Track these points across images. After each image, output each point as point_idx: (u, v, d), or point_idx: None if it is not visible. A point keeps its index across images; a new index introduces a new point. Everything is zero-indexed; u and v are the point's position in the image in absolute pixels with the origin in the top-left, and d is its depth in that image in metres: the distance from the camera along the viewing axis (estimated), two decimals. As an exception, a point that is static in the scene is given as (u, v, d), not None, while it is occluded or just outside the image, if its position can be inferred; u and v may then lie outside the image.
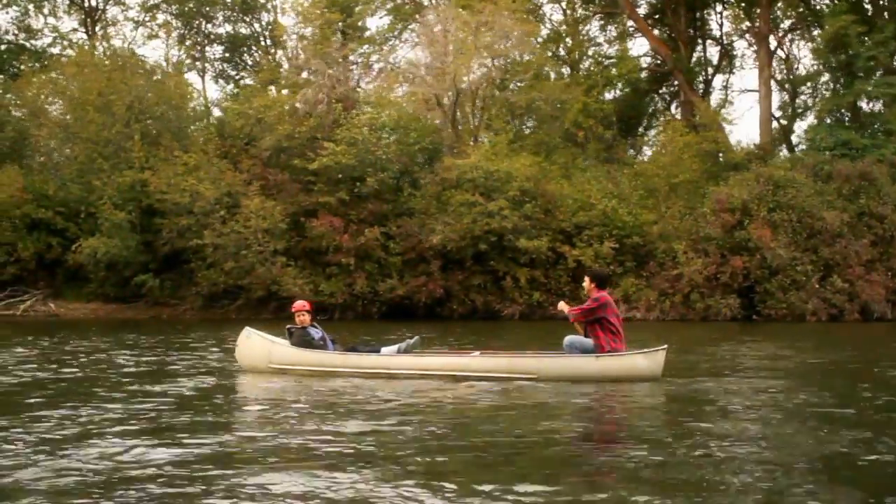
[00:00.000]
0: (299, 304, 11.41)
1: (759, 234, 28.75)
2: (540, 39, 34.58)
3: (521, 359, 10.48)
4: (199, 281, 30.40)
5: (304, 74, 35.44)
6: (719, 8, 47.34)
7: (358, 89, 34.15)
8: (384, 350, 11.07)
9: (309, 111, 31.66)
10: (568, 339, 10.32)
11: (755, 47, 45.25)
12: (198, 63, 50.55)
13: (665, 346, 10.27)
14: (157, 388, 9.64)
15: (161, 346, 16.56)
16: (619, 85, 42.86)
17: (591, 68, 40.67)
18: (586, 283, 10.47)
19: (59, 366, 12.44)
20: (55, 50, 48.59)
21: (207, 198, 29.98)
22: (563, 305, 10.60)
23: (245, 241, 29.34)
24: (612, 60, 41.89)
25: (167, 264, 31.75)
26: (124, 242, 30.39)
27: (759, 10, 41.15)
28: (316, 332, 11.18)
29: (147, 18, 50.97)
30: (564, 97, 33.27)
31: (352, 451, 6.04)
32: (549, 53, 39.40)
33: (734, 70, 48.26)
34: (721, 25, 48.17)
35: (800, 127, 44.32)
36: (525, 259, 29.38)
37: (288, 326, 11.36)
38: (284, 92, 35.56)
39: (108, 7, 51.89)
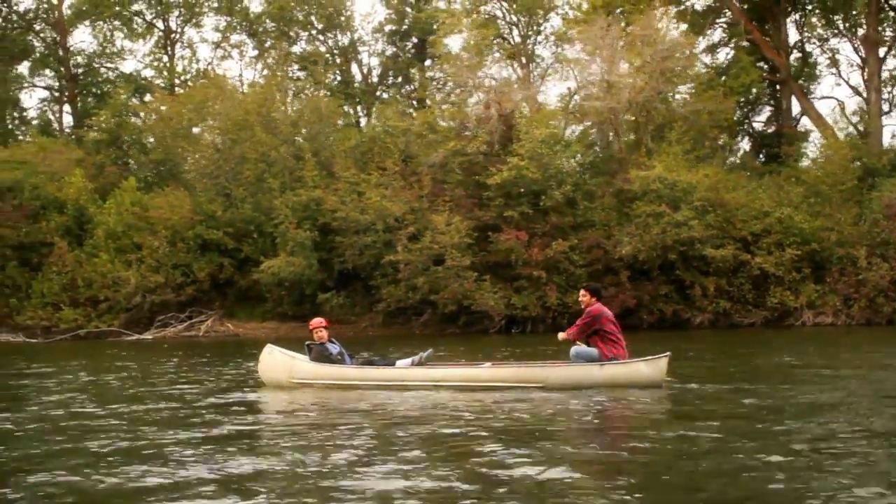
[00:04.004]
0: (317, 321, 11.85)
1: (936, 237, 29.65)
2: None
3: (528, 369, 11.12)
4: (384, 297, 30.57)
5: (457, 91, 35.71)
6: (795, 16, 48.46)
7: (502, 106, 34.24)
8: (399, 363, 11.57)
9: (479, 126, 31.93)
10: (574, 349, 10.90)
11: (831, 54, 46.67)
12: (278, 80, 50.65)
13: (668, 353, 10.79)
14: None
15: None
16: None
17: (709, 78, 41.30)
18: (585, 296, 11.08)
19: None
20: (149, 73, 48.67)
21: (393, 214, 30.19)
22: (562, 335, 11.17)
23: (436, 256, 29.60)
24: (724, 69, 42.55)
25: (342, 281, 31.88)
26: (307, 261, 30.48)
27: (866, 18, 42.21)
28: (334, 348, 11.62)
29: (221, 39, 51.12)
30: (721, 107, 33.96)
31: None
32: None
33: (817, 77, 49.14)
34: (801, 33, 49.20)
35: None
36: (710, 268, 29.95)
37: (307, 343, 11.77)
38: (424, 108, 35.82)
39: (185, 29, 52.00)
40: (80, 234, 33.45)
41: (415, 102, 45.26)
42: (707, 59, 45.48)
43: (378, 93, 50.89)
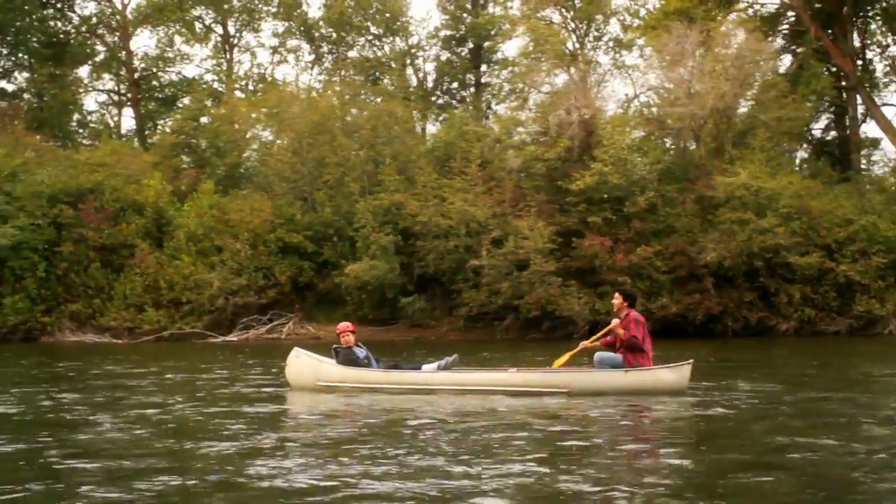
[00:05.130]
0: (343, 325, 12.12)
1: None
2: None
3: (553, 374, 11.20)
4: (466, 301, 30.58)
5: (533, 98, 35.74)
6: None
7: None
8: (425, 367, 11.67)
9: (561, 132, 31.90)
10: (598, 355, 11.08)
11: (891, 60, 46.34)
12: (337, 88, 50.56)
13: (691, 360, 10.96)
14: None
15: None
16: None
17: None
18: (617, 300, 11.25)
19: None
20: (209, 78, 49.01)
21: (477, 218, 30.22)
22: (617, 324, 11.11)
23: (521, 261, 29.61)
24: (794, 75, 42.25)
25: (421, 285, 31.94)
26: (389, 265, 30.57)
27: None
28: (360, 352, 11.80)
29: (278, 44, 51.41)
30: (800, 114, 33.83)
31: None
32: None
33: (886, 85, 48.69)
34: (863, 40, 48.84)
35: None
36: (795, 275, 29.78)
37: (334, 346, 11.98)
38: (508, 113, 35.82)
39: (243, 34, 52.34)
40: (159, 236, 33.69)
41: (471, 107, 45.35)
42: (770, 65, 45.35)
43: (433, 98, 50.96)
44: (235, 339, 30.63)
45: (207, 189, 33.91)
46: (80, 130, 49.95)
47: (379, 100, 40.47)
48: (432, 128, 46.46)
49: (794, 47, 45.43)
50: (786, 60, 46.34)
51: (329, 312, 32.66)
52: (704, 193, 30.99)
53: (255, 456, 6.84)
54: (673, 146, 34.75)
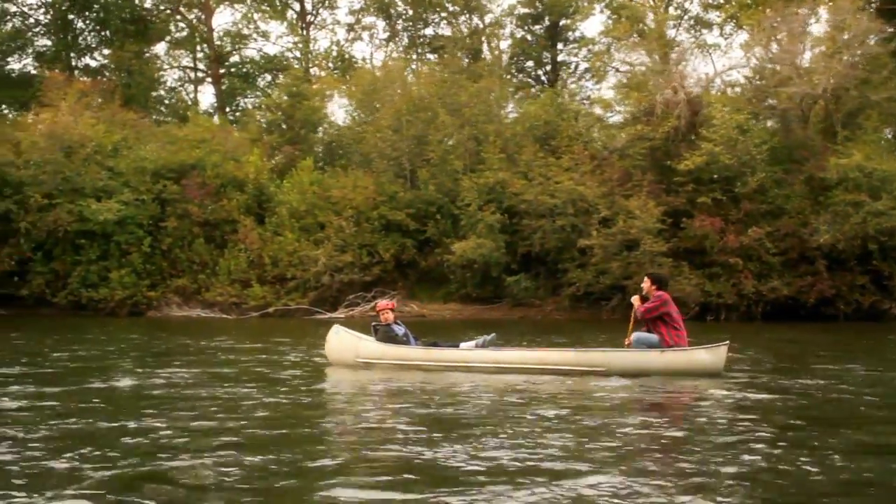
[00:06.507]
0: (383, 303, 12.41)
1: None
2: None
3: (590, 353, 11.38)
4: (573, 281, 30.45)
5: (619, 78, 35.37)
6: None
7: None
8: (463, 345, 11.78)
9: (668, 111, 31.53)
10: (635, 335, 11.08)
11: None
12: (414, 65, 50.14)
13: (727, 341, 10.98)
14: None
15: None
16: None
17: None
18: (646, 284, 11.37)
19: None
20: (289, 55, 49.06)
21: (587, 198, 30.04)
22: (636, 300, 11.31)
23: (630, 241, 29.40)
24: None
25: (525, 264, 31.86)
26: (496, 243, 30.51)
27: None
28: (399, 329, 11.99)
29: (354, 21, 51.30)
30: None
31: None
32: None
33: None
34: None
35: None
36: (911, 259, 29.31)
37: (373, 324, 12.21)
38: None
39: (319, 11, 52.29)
40: (260, 212, 33.89)
41: (569, 85, 44.98)
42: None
43: (508, 76, 50.63)
44: (342, 315, 30.72)
45: (307, 165, 34.03)
46: (159, 107, 50.34)
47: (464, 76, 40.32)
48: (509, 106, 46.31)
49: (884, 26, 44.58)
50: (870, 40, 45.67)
51: (431, 290, 32.72)
52: (815, 175, 30.48)
53: (382, 432, 7.00)
54: (761, 125, 34.08)
